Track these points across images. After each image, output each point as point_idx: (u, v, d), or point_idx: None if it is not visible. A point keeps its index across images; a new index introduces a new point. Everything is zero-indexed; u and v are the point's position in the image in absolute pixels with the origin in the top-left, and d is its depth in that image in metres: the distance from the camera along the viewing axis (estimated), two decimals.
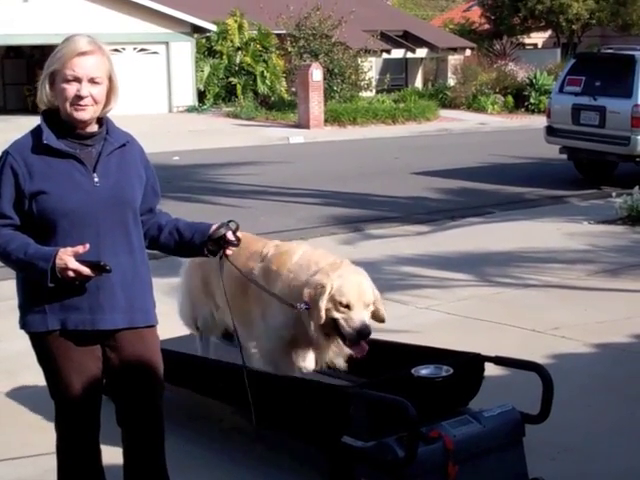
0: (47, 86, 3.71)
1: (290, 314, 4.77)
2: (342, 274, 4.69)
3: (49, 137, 3.68)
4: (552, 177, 16.48)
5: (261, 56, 32.02)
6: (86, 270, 3.56)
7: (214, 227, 3.96)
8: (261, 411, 4.96)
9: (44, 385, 6.26)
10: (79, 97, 3.64)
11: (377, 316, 4.81)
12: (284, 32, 31.42)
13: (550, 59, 36.09)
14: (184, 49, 31.45)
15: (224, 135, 25.13)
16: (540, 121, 20.03)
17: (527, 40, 44.67)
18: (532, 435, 4.62)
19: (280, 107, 30.55)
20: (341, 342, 4.71)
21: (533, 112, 31.07)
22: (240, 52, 31.92)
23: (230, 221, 3.99)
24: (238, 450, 5.08)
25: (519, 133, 25.17)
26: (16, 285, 3.83)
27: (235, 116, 29.43)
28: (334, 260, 4.86)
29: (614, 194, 13.01)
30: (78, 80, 3.64)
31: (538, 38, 46.18)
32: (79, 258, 3.56)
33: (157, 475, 4.02)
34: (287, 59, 31.54)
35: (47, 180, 3.65)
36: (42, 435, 5.32)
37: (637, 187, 12.05)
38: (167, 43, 31.07)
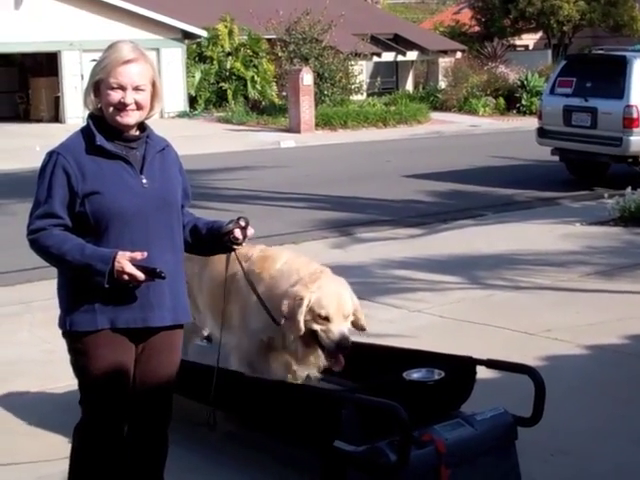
0: (92, 94, 3.80)
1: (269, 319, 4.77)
2: (321, 285, 4.69)
3: (101, 139, 3.77)
4: (544, 179, 16.47)
5: (251, 61, 32.02)
6: (141, 276, 3.64)
7: (225, 225, 4.04)
8: (254, 415, 4.96)
9: (35, 392, 6.26)
10: (123, 104, 3.74)
11: (357, 325, 4.84)
12: (274, 37, 31.41)
13: (541, 61, 36.14)
14: (175, 55, 31.43)
15: (215, 140, 25.10)
16: (532, 123, 20.00)
17: (518, 42, 44.73)
18: (525, 437, 4.62)
19: (271, 112, 30.52)
20: (320, 352, 4.73)
21: (524, 114, 31.05)
22: (230, 57, 31.92)
23: (240, 218, 4.05)
24: (233, 457, 5.05)
25: (511, 135, 25.18)
26: (58, 285, 3.86)
27: (226, 121, 29.43)
28: (314, 270, 4.83)
29: (606, 195, 13.00)
30: (122, 88, 3.74)
31: (529, 40, 46.25)
32: (135, 263, 3.63)
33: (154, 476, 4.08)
34: (277, 64, 31.51)
35: (100, 181, 3.72)
36: (34, 441, 5.31)
37: (629, 188, 12.07)
38: (158, 49, 30.99)
